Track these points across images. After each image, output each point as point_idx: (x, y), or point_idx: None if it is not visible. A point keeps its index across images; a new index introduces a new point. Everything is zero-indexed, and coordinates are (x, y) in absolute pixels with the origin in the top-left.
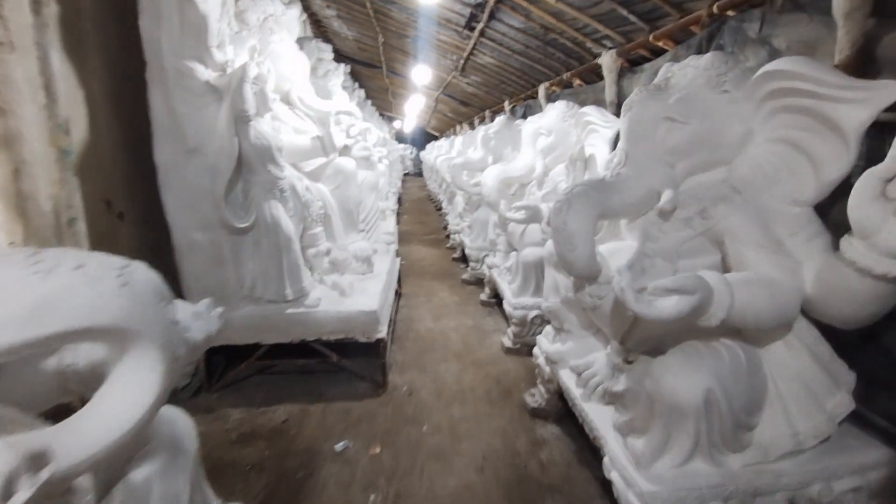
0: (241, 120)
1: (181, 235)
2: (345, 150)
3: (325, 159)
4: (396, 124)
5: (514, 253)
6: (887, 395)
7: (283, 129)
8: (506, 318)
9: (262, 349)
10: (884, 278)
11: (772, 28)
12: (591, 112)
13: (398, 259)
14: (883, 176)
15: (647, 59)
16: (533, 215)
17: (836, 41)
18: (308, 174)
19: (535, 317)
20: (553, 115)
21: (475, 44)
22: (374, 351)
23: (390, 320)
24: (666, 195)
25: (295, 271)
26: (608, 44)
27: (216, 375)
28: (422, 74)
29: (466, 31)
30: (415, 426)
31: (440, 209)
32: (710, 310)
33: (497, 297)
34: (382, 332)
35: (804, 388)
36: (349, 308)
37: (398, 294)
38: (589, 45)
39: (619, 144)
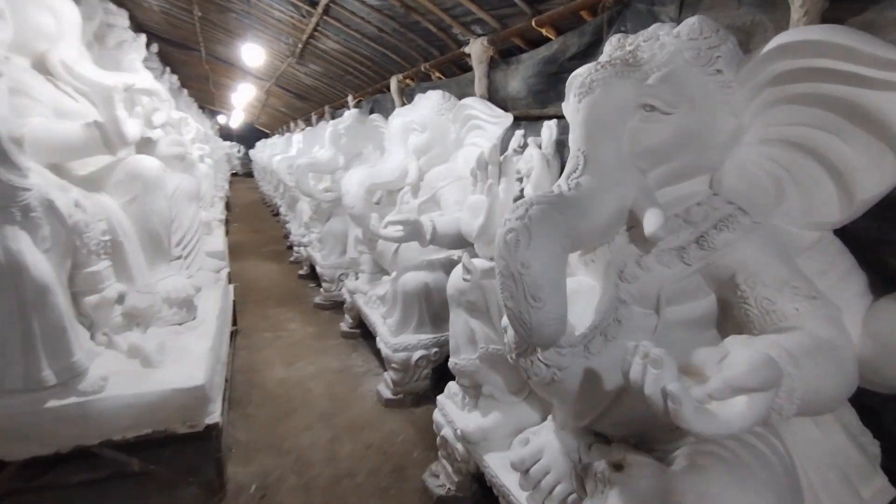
0: None
1: None
2: (145, 146)
3: (112, 158)
4: (221, 119)
5: (386, 278)
6: None
7: (33, 109)
8: (376, 353)
9: (11, 466)
10: None
11: (692, 12)
12: (474, 105)
13: (232, 287)
14: None
15: (523, 50)
16: (413, 232)
17: (792, 24)
18: (81, 181)
19: (421, 358)
20: (427, 107)
21: (317, 24)
22: (202, 439)
23: (225, 380)
24: (653, 217)
25: (56, 339)
26: (479, 29)
27: None
28: (250, 60)
29: (307, 8)
30: None
31: (277, 214)
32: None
33: (362, 326)
34: (214, 414)
35: (839, 473)
36: (158, 387)
37: (233, 333)
38: (456, 30)
39: (575, 143)
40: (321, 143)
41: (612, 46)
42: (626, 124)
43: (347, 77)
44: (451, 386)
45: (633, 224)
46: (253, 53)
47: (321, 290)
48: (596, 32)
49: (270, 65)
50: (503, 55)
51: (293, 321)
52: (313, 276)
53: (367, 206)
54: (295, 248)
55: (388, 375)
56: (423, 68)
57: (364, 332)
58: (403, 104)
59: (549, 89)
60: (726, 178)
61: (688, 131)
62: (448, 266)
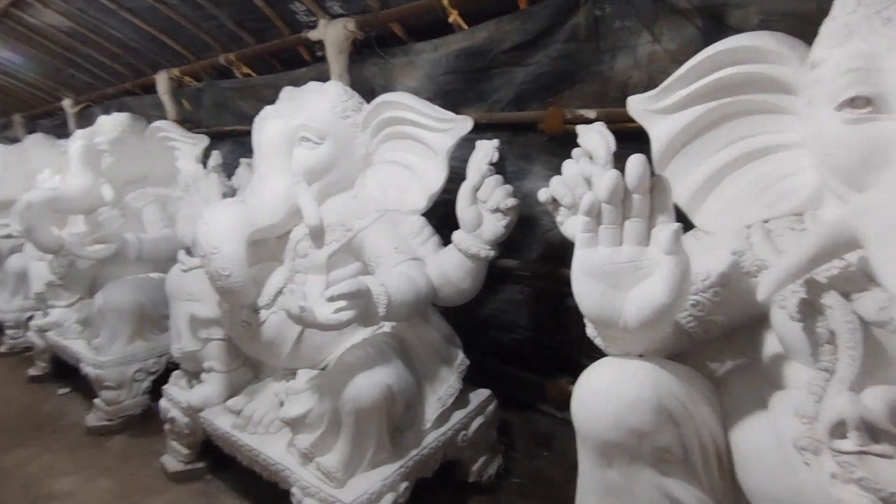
0: None
1: None
2: None
3: None
4: None
5: (82, 301)
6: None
7: None
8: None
9: None
10: (484, 260)
11: None
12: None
13: None
14: (472, 186)
15: (398, 39)
16: (365, 308)
17: None
18: None
19: (138, 371)
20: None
21: None
22: None
23: None
24: (310, 210)
25: None
26: (336, 7)
27: None
28: None
29: None
30: None
31: None
32: (373, 309)
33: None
34: None
35: (438, 357)
36: None
37: None
38: (299, 5)
39: (256, 161)
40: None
41: (285, 93)
42: (292, 149)
43: (68, 71)
44: (175, 374)
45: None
46: None
47: (5, 338)
48: (554, 17)
49: None
50: (366, 44)
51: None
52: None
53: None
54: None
55: (101, 400)
56: (223, 60)
57: (59, 373)
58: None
59: (468, 89)
60: (365, 187)
61: (334, 156)
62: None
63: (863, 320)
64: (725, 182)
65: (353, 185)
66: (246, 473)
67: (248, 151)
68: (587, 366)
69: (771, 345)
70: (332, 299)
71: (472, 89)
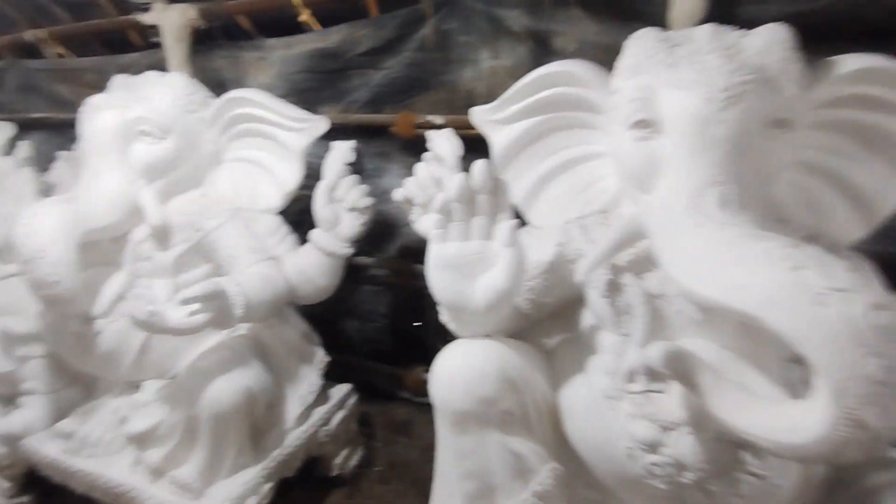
0: None
1: None
2: None
3: None
4: None
5: None
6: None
7: None
8: None
9: None
10: (342, 257)
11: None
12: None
13: None
14: (329, 185)
15: (244, 32)
16: (221, 310)
17: None
18: None
19: None
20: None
21: None
22: None
23: None
24: (152, 209)
25: None
26: None
27: None
28: None
29: None
30: None
31: None
32: (230, 311)
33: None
34: None
35: (297, 355)
36: None
37: None
38: None
39: (85, 154)
40: None
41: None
42: (129, 143)
43: None
44: None
45: None
46: None
47: None
48: (403, 27)
49: None
50: (211, 35)
51: None
52: None
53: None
54: None
55: None
56: (30, 37)
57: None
58: None
59: (325, 88)
60: (215, 186)
61: (179, 153)
62: None
63: (650, 294)
64: (551, 185)
65: (201, 183)
66: (82, 502)
67: (67, 143)
68: None
69: (587, 319)
70: (185, 302)
71: (329, 88)
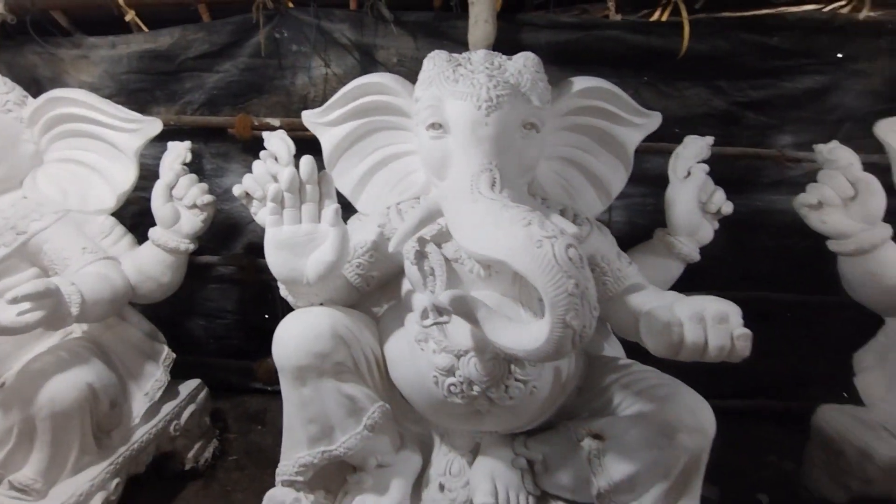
0: None
1: None
2: None
3: None
4: None
5: None
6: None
7: None
8: None
9: None
10: (184, 253)
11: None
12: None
13: None
14: (167, 184)
15: (60, 28)
16: (54, 307)
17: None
18: None
19: None
20: None
21: None
22: None
23: None
24: None
25: None
26: None
27: None
28: None
29: None
30: None
31: None
32: (64, 309)
33: None
34: None
35: (141, 354)
36: None
37: None
38: None
39: None
40: None
41: None
42: None
43: None
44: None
45: None
46: None
47: None
48: (236, 33)
49: None
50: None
51: None
52: None
53: None
54: None
55: None
56: None
57: None
58: None
59: (156, 89)
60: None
61: None
62: None
63: (447, 259)
64: (374, 178)
65: (21, 185)
66: None
67: None
68: None
69: (405, 286)
70: (14, 301)
71: (161, 90)
